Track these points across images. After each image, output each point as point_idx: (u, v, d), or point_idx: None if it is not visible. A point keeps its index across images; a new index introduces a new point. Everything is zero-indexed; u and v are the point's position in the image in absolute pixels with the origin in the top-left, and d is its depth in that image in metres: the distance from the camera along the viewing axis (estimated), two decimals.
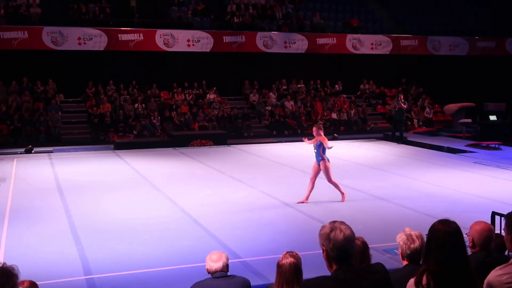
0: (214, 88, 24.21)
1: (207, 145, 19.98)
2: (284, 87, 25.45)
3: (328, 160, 10.48)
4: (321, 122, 10.88)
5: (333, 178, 10.57)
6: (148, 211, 10.22)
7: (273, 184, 12.68)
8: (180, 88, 23.83)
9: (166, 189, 12.22)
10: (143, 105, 22.55)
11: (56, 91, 22.30)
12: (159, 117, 22.14)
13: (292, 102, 24.50)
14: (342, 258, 2.79)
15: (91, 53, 22.38)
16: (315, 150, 10.48)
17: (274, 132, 23.17)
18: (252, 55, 24.58)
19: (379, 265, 3.00)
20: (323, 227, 2.87)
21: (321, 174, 10.60)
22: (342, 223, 2.88)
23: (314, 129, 10.53)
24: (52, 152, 18.37)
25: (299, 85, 25.69)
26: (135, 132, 21.49)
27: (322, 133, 10.49)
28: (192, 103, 23.42)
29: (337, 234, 2.78)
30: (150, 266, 7.16)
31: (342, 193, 10.72)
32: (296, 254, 3.75)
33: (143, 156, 17.46)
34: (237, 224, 9.34)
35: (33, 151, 18.29)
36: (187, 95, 23.75)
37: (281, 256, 3.73)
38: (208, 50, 23.60)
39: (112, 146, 19.43)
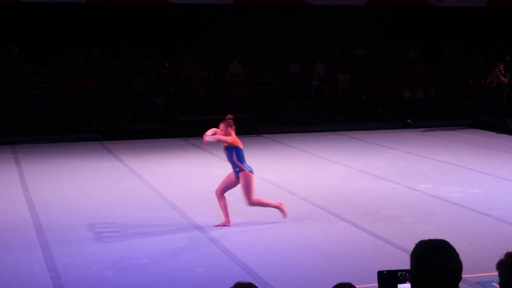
0: (238, 56, 24.26)
1: None
2: (336, 54, 25.37)
3: (251, 171, 10.17)
4: (231, 117, 10.53)
5: (254, 197, 10.18)
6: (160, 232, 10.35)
7: (320, 188, 12.79)
8: (190, 56, 23.94)
9: (175, 198, 12.38)
10: (140, 79, 22.74)
11: (19, 59, 22.61)
12: (162, 96, 22.32)
13: (347, 75, 24.44)
14: None
15: (69, 6, 22.64)
16: (228, 159, 10.21)
17: (322, 117, 23.16)
18: (291, 10, 24.53)
19: None
20: None
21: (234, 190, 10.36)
22: None
23: (221, 126, 10.22)
24: (16, 143, 18.66)
25: (357, 51, 25.60)
26: (129, 117, 21.71)
27: (233, 133, 10.24)
28: (208, 77, 23.52)
29: None
30: None
31: (277, 207, 10.42)
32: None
33: (141, 150, 17.63)
34: (270, 245, 9.53)
35: None
36: (200, 65, 23.88)
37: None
38: (231, 2, 23.64)
39: (98, 136, 19.66)
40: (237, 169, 10.16)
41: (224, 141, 10.10)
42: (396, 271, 3.26)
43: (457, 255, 2.99)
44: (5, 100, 21.23)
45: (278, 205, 10.48)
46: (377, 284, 3.31)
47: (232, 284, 3.52)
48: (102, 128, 20.34)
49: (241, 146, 10.15)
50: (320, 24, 25.16)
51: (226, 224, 10.31)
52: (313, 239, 9.73)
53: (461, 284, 3.12)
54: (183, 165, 15.55)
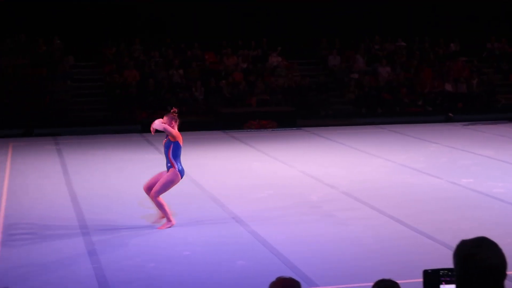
0: (279, 49, 24.24)
1: (269, 127, 20.06)
2: (376, 47, 25.21)
3: (180, 172, 9.92)
4: (176, 110, 10.30)
5: (160, 196, 9.86)
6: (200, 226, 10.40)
7: (361, 182, 12.75)
8: (230, 48, 23.97)
9: (214, 190, 12.44)
10: (181, 71, 22.85)
11: (63, 52, 22.88)
12: (202, 88, 22.40)
13: (388, 68, 24.27)
14: None
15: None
16: (164, 151, 10.00)
17: (363, 110, 23.05)
18: (332, 1, 24.40)
19: None
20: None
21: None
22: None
23: (165, 118, 9.96)
24: (59, 135, 18.89)
25: (398, 44, 25.39)
26: (169, 109, 21.77)
27: (175, 127, 9.98)
28: (248, 69, 23.55)
29: None
30: None
31: (169, 220, 9.96)
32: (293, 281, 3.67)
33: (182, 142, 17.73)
34: (311, 239, 9.51)
35: (33, 133, 18.87)
36: (241, 57, 23.90)
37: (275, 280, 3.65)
38: None
39: (139, 127, 19.80)
40: (169, 164, 9.94)
41: (170, 132, 9.83)
42: (440, 270, 3.24)
43: (500, 251, 2.95)
44: (48, 92, 21.48)
45: (171, 220, 9.96)
46: (419, 280, 3.29)
47: (273, 278, 3.52)
48: (143, 120, 20.47)
49: (181, 142, 9.93)
50: (361, 16, 25.00)
51: (169, 226, 9.95)
52: (355, 233, 9.69)
53: (506, 281, 3.08)
54: (223, 158, 15.60)
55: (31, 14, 22.83)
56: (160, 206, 9.95)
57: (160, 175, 10.06)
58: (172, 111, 10.13)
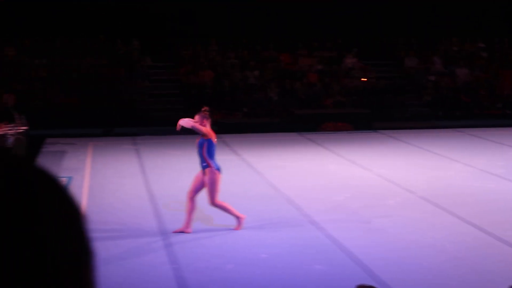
0: (354, 50, 24.10)
1: (344, 130, 19.97)
2: (454, 48, 24.83)
3: (218, 169, 9.77)
4: (207, 108, 10.00)
5: (218, 199, 9.70)
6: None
7: (440, 187, 12.55)
8: (306, 49, 23.94)
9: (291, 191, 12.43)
10: (256, 72, 22.93)
11: (141, 53, 23.24)
12: (277, 90, 22.42)
13: (466, 70, 23.88)
14: None
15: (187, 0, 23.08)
16: (198, 151, 9.80)
17: (440, 113, 22.72)
18: (409, 2, 24.15)
19: None
20: None
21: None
22: None
23: (196, 117, 9.79)
24: (136, 135, 19.20)
25: (477, 45, 24.94)
26: (245, 110, 21.93)
27: (208, 125, 9.84)
28: (323, 70, 23.47)
29: None
30: None
31: (238, 217, 9.92)
32: None
33: (256, 143, 17.79)
34: (390, 244, 9.41)
35: (112, 133, 19.24)
36: (316, 59, 23.84)
37: None
38: None
39: (215, 128, 19.89)
40: (204, 164, 9.75)
41: (199, 130, 9.72)
42: None
43: None
44: (127, 92, 21.85)
45: (240, 216, 9.94)
46: None
47: (352, 284, 3.49)
48: (218, 120, 20.61)
49: (214, 140, 9.79)
50: (438, 16, 24.66)
51: (184, 230, 9.81)
52: (435, 240, 9.50)
53: None
54: (298, 160, 15.56)
55: (110, 16, 23.27)
56: (223, 208, 9.88)
57: (197, 178, 9.89)
58: (203, 109, 10.00)
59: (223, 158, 15.71)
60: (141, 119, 21.19)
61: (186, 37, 23.50)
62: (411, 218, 10.58)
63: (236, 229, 9.97)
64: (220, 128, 19.88)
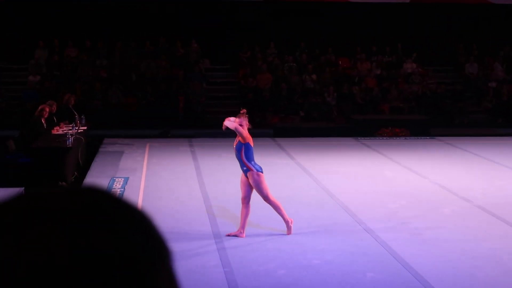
0: (414, 55, 23.89)
1: (401, 136, 19.80)
2: None
3: (260, 170, 9.64)
4: (245, 111, 9.79)
5: (270, 196, 9.66)
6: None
7: (498, 197, 12.33)
8: (365, 54, 23.83)
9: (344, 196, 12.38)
10: (314, 76, 22.90)
11: (200, 55, 23.42)
12: (335, 94, 22.36)
13: None
14: None
15: (246, 3, 23.16)
16: (236, 155, 9.71)
17: (500, 120, 22.35)
18: (471, 8, 23.82)
19: None
20: None
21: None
22: None
23: (237, 120, 9.67)
24: (193, 137, 19.36)
25: None
26: (301, 114, 21.92)
27: (245, 128, 9.65)
28: (382, 75, 23.32)
29: None
30: None
31: (287, 221, 9.82)
32: None
33: (313, 148, 17.75)
34: (444, 253, 9.30)
35: (169, 135, 19.43)
36: (375, 63, 23.70)
37: None
38: (408, 1, 23.29)
39: (271, 132, 19.98)
40: (245, 168, 9.71)
41: (240, 133, 9.62)
42: None
43: None
44: (184, 94, 22.04)
45: (288, 219, 9.88)
46: None
47: None
48: (275, 124, 20.67)
49: (251, 144, 9.71)
50: (499, 22, 24.26)
51: (238, 234, 9.83)
52: (491, 250, 9.33)
53: None
54: (354, 166, 15.46)
55: (170, 18, 23.53)
56: (275, 206, 9.85)
57: (243, 183, 9.88)
58: (241, 112, 9.98)
59: (279, 161, 15.82)
60: (198, 121, 21.36)
61: (244, 40, 23.60)
62: (467, 227, 10.42)
63: (287, 234, 9.99)
64: (276, 132, 19.96)
